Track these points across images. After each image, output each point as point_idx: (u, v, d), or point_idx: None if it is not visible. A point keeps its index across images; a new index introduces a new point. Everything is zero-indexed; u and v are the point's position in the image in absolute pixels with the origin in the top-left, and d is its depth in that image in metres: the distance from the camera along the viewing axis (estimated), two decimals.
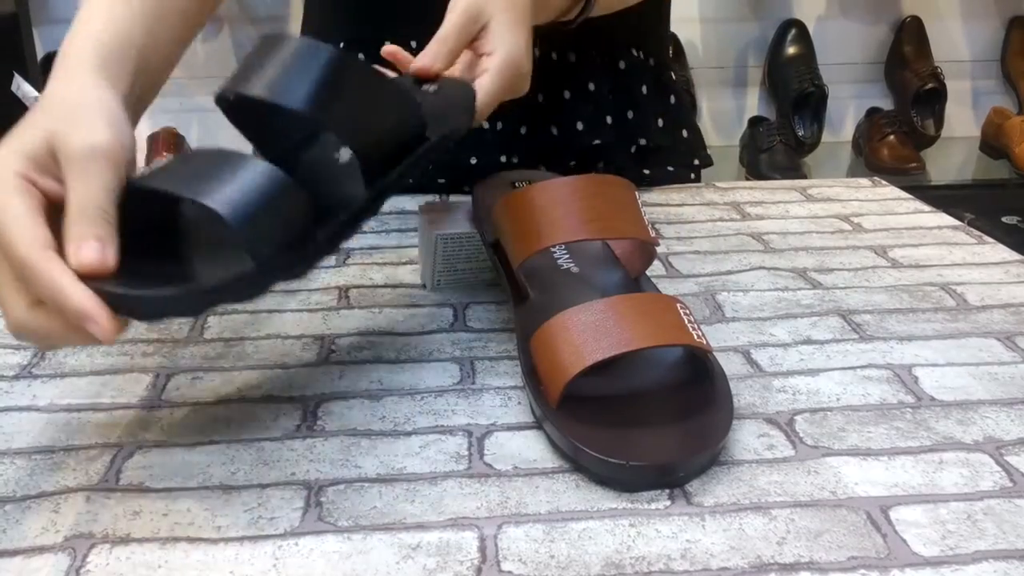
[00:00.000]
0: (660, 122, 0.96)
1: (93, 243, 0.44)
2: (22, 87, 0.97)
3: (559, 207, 0.56)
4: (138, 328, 0.62)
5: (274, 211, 0.44)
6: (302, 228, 0.45)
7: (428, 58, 0.59)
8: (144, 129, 2.04)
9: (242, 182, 0.43)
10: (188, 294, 0.43)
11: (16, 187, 0.45)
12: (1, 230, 0.44)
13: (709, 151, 1.04)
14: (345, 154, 0.55)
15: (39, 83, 1.00)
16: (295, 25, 2.02)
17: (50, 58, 1.99)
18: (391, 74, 0.61)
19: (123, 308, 0.43)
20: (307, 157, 0.56)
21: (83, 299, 0.42)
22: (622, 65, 0.92)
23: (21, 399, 0.54)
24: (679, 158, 0.98)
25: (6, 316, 0.45)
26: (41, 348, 0.58)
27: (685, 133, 0.99)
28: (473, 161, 0.87)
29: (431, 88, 0.60)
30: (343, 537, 0.42)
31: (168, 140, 1.96)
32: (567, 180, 0.58)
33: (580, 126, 0.89)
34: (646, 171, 0.94)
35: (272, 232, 0.44)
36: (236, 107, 0.51)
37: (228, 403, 0.53)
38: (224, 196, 0.43)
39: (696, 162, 0.99)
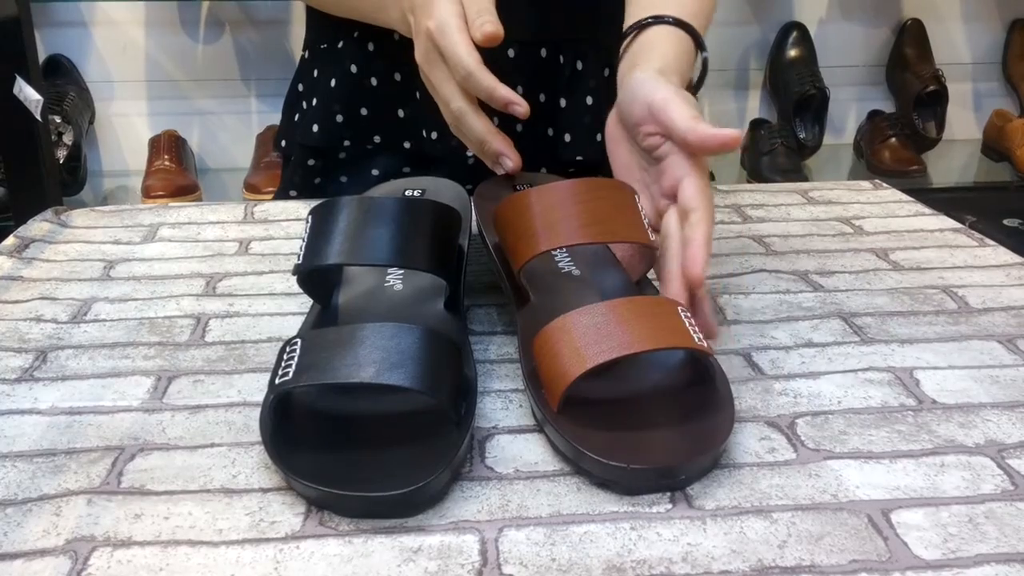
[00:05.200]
0: None
1: (491, 21, 0.63)
2: (24, 90, 0.97)
3: (559, 210, 0.56)
4: (139, 331, 0.62)
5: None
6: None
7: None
8: (145, 132, 2.04)
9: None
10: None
11: (458, 26, 0.64)
12: (453, 53, 0.63)
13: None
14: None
15: (41, 86, 1.00)
16: (296, 28, 2.03)
17: (52, 61, 1.99)
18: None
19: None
20: None
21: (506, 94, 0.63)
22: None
23: (23, 402, 0.54)
24: None
25: (446, 107, 0.65)
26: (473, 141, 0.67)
27: None
28: (470, 154, 0.87)
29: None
30: (344, 541, 0.42)
31: (169, 143, 1.96)
32: (567, 183, 0.58)
33: (568, 138, 0.88)
34: None
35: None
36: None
37: (229, 406, 0.53)
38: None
39: None
